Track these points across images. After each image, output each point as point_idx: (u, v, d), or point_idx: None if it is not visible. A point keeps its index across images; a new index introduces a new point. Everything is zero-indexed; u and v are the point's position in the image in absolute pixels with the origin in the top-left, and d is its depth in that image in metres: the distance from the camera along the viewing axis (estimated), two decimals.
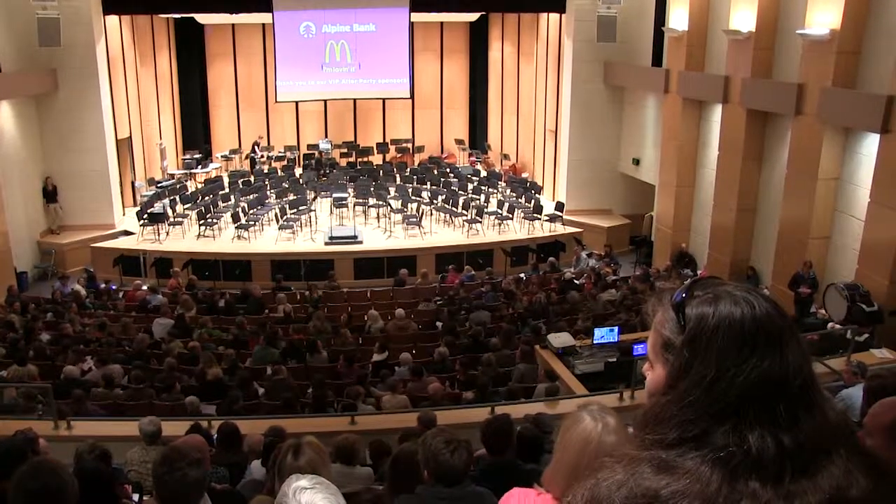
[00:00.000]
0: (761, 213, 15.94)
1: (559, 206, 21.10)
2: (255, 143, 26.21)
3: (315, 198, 21.84)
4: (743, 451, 1.15)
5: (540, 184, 23.11)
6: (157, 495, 3.35)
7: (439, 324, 14.18)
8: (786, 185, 14.48)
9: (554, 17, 22.10)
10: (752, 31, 14.96)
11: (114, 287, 17.40)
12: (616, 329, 11.34)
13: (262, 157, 25.88)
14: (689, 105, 17.67)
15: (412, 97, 25.90)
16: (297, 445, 3.53)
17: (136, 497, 5.41)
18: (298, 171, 24.92)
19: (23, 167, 19.09)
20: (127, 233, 20.36)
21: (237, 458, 6.60)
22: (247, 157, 26.09)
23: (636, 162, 20.76)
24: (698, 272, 17.29)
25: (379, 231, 20.40)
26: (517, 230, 20.31)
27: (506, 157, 25.95)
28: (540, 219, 20.49)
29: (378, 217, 21.17)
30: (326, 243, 19.28)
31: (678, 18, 17.58)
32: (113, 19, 21.09)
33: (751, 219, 16.12)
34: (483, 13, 25.94)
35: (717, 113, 16.88)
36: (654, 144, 19.74)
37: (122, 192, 21.53)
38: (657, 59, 19.28)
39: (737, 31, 15.26)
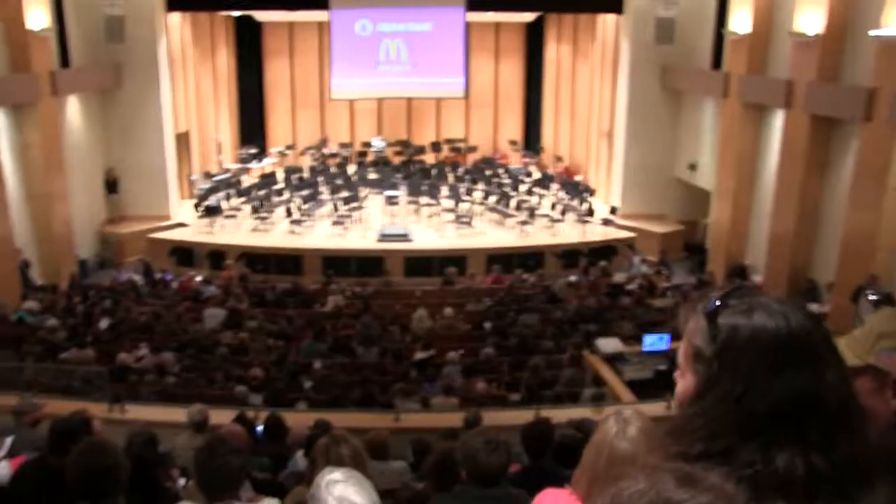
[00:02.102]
0: (823, 222, 15.45)
1: (612, 210, 20.88)
2: (325, 140, 26.53)
3: (367, 195, 21.95)
4: (770, 471, 1.11)
5: (593, 187, 22.84)
6: (198, 481, 3.40)
7: (487, 325, 14.14)
8: (851, 193, 13.92)
9: (611, 18, 21.88)
10: (820, 33, 14.52)
11: (169, 277, 17.70)
12: (667, 337, 11.16)
13: (334, 152, 26.10)
14: (749, 109, 17.32)
15: (466, 97, 25.89)
16: (335, 439, 3.54)
17: (182, 481, 5.50)
18: (352, 168, 25.07)
19: (86, 159, 19.66)
20: (183, 225, 20.71)
21: (281, 450, 6.67)
22: (302, 153, 26.32)
23: (692, 167, 20.41)
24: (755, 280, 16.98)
25: (430, 230, 20.42)
26: (569, 233, 20.14)
27: (559, 158, 25.77)
28: (592, 222, 20.30)
29: (430, 216, 21.19)
30: (378, 241, 19.36)
31: (740, 20, 17.24)
32: (175, 17, 21.50)
33: (812, 228, 15.63)
34: (539, 13, 25.79)
35: (778, 118, 16.51)
36: (710, 149, 19.38)
37: (179, 185, 21.93)
38: (716, 62, 18.92)
39: (803, 33, 14.85)
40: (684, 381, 1.31)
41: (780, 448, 1.12)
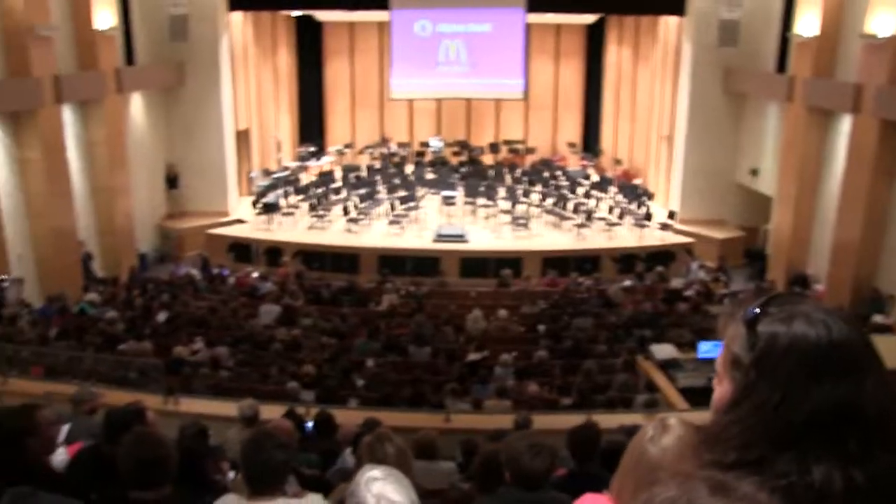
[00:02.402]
0: (891, 230, 14.97)
1: (671, 215, 20.60)
2: (386, 139, 26.73)
3: (425, 195, 22.02)
4: (805, 483, 1.07)
5: (652, 191, 22.60)
6: (243, 474, 3.43)
7: (541, 327, 14.06)
8: None
9: (673, 20, 21.57)
10: (893, 35, 14.08)
11: (226, 273, 17.97)
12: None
13: (394, 151, 26.27)
14: (814, 114, 16.89)
15: (526, 98, 25.79)
16: (381, 437, 3.54)
17: (232, 474, 5.57)
18: (410, 167, 25.16)
19: (149, 155, 20.13)
20: (241, 221, 21.01)
21: (330, 446, 6.70)
22: (360, 152, 26.52)
23: (754, 172, 20.01)
24: (816, 288, 16.60)
25: (486, 231, 20.38)
26: (626, 237, 19.94)
27: (618, 161, 25.53)
28: (650, 226, 20.07)
29: (486, 217, 21.16)
30: (434, 241, 19.40)
31: (807, 22, 16.83)
32: (237, 16, 21.85)
33: (878, 236, 15.14)
34: (600, 15, 25.57)
35: (845, 123, 16.05)
36: (773, 154, 18.95)
37: (238, 182, 22.28)
38: (781, 65, 18.49)
39: (873, 34, 14.43)
40: (721, 388, 1.29)
41: (817, 460, 1.08)
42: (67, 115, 16.58)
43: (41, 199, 15.38)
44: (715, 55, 19.89)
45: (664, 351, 11.18)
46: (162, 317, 13.62)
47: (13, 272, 14.19)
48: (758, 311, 1.22)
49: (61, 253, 15.74)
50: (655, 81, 23.10)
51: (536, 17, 23.90)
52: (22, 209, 15.31)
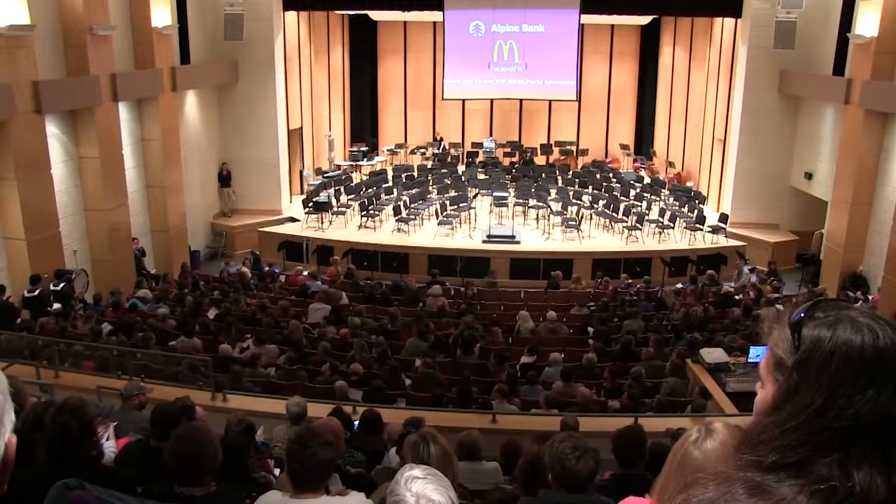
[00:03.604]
0: None
1: (723, 218, 20.30)
2: (439, 139, 26.84)
3: (476, 195, 22.00)
4: (847, 487, 1.04)
5: (704, 194, 22.35)
6: (289, 471, 3.45)
7: (590, 329, 13.95)
8: None
9: (729, 21, 21.34)
10: None
11: (277, 271, 18.16)
12: None
13: (446, 150, 26.33)
14: (873, 117, 16.52)
15: (578, 100, 25.64)
16: (424, 437, 3.53)
17: (277, 471, 5.62)
18: (461, 168, 25.16)
19: (202, 152, 20.44)
20: (292, 219, 21.22)
21: (376, 445, 6.72)
22: (412, 152, 26.64)
23: (809, 176, 19.67)
24: (870, 297, 16.24)
25: (537, 232, 20.30)
26: (678, 240, 19.72)
27: (671, 164, 25.24)
28: (702, 230, 19.81)
29: (537, 218, 21.07)
30: (484, 241, 19.37)
31: (867, 23, 16.48)
32: (291, 15, 22.08)
33: None
34: (655, 16, 25.31)
35: None
36: (829, 158, 18.60)
37: (290, 181, 22.51)
38: (839, 68, 18.09)
39: None
40: (764, 391, 1.28)
41: (858, 465, 1.06)
42: (123, 112, 16.90)
43: (97, 195, 15.73)
44: (770, 57, 19.56)
45: (714, 355, 11.00)
46: (212, 313, 13.79)
47: (69, 267, 14.49)
48: (803, 314, 1.21)
49: (115, 249, 16.07)
50: (710, 83, 22.81)
51: (590, 18, 23.79)
52: (78, 205, 15.67)
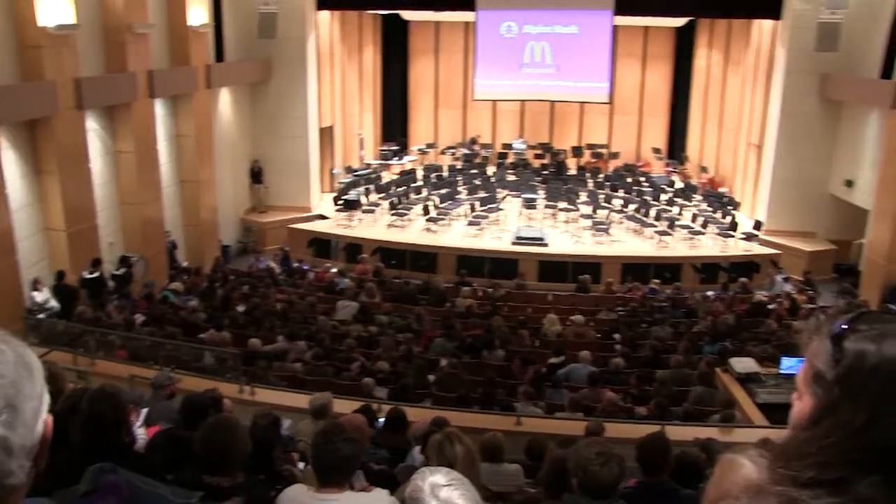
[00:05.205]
0: None
1: (757, 225, 20.05)
2: (474, 139, 26.86)
3: (505, 197, 21.97)
4: None
5: (738, 200, 22.03)
6: (313, 465, 3.47)
7: (617, 335, 13.85)
8: None
9: (767, 23, 20.96)
10: None
11: (305, 267, 18.25)
12: None
13: (480, 152, 26.33)
14: None
15: (611, 102, 25.49)
16: (449, 437, 3.52)
17: (301, 465, 5.64)
18: (491, 169, 25.13)
19: (234, 149, 20.64)
20: (322, 217, 21.31)
21: (400, 443, 6.71)
22: (442, 152, 26.62)
23: (849, 183, 19.24)
24: None
25: (566, 235, 20.21)
26: (709, 246, 19.51)
27: (704, 169, 24.96)
28: (734, 236, 19.59)
29: (566, 221, 20.99)
30: (513, 243, 19.32)
31: None
32: (324, 14, 22.22)
33: None
34: (691, 18, 25.05)
35: None
36: (872, 165, 18.13)
37: (320, 178, 22.61)
38: (887, 71, 17.59)
39: None
40: (801, 404, 1.23)
41: None
42: (159, 109, 17.09)
43: (132, 189, 15.93)
44: (811, 60, 19.14)
45: (744, 364, 10.88)
46: (241, 308, 13.90)
47: (104, 259, 14.70)
48: (846, 326, 1.15)
49: (148, 242, 16.25)
50: (746, 87, 22.50)
51: (624, 20, 23.53)
52: (114, 199, 15.87)
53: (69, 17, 13.40)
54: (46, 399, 1.20)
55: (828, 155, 19.93)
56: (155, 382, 7.31)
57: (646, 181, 23.79)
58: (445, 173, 24.20)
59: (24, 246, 13.04)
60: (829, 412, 1.11)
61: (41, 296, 13.06)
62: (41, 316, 12.61)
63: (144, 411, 6.23)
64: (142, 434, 5.27)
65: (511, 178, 24.00)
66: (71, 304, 13.20)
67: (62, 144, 13.62)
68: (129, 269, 15.12)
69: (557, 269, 18.66)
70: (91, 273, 14.00)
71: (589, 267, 18.13)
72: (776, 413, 9.89)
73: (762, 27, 21.47)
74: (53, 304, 13.22)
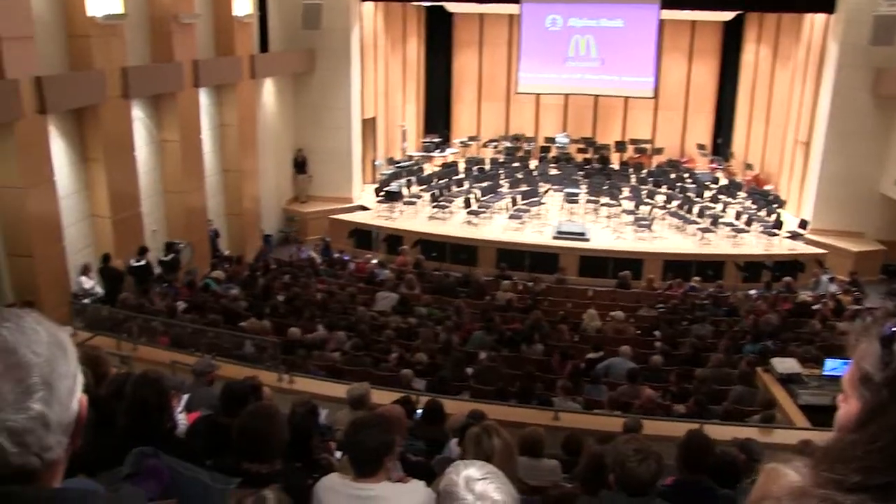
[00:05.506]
0: None
1: (803, 224, 19.70)
2: (516, 136, 26.85)
3: (547, 191, 21.88)
4: None
5: (784, 198, 21.64)
6: (347, 454, 3.49)
7: (657, 332, 13.73)
8: None
9: (819, 17, 20.49)
10: None
11: (346, 258, 18.35)
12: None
13: (523, 146, 26.27)
14: None
15: (655, 97, 25.24)
16: (487, 430, 3.51)
17: (338, 454, 5.68)
18: (534, 163, 25.04)
19: (277, 139, 20.80)
20: (363, 208, 21.40)
21: (437, 435, 6.73)
22: (484, 145, 26.58)
23: None
24: None
25: (608, 230, 20.07)
26: (753, 244, 19.24)
27: (749, 166, 24.58)
28: (779, 235, 19.30)
29: (608, 216, 20.85)
30: (554, 237, 19.23)
31: None
32: (368, 6, 22.31)
33: None
34: (740, 12, 24.64)
35: None
36: None
37: (362, 169, 22.70)
38: None
39: None
40: (847, 406, 1.21)
41: None
42: (203, 98, 17.27)
43: (176, 177, 16.13)
44: (865, 55, 18.65)
45: (786, 365, 10.72)
46: (282, 297, 14.01)
47: (149, 247, 14.91)
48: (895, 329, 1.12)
49: (191, 230, 16.45)
50: (795, 83, 22.06)
51: (671, 14, 23.22)
52: (158, 187, 16.08)
53: (117, 7, 13.59)
54: (80, 378, 1.24)
55: (879, 152, 19.41)
56: (196, 369, 7.40)
57: (689, 177, 23.53)
58: (487, 166, 24.17)
59: (70, 232, 13.27)
60: (876, 415, 1.08)
61: (89, 282, 13.33)
62: (86, 301, 12.82)
63: (185, 397, 6.32)
64: (182, 420, 5.34)
65: (553, 172, 23.88)
66: (115, 288, 13.43)
67: (109, 133, 13.83)
68: (176, 255, 15.37)
69: (598, 264, 18.54)
70: (138, 261, 14.23)
71: (630, 263, 17.98)
72: (818, 415, 9.73)
73: (814, 21, 21.01)
74: (98, 290, 13.46)
